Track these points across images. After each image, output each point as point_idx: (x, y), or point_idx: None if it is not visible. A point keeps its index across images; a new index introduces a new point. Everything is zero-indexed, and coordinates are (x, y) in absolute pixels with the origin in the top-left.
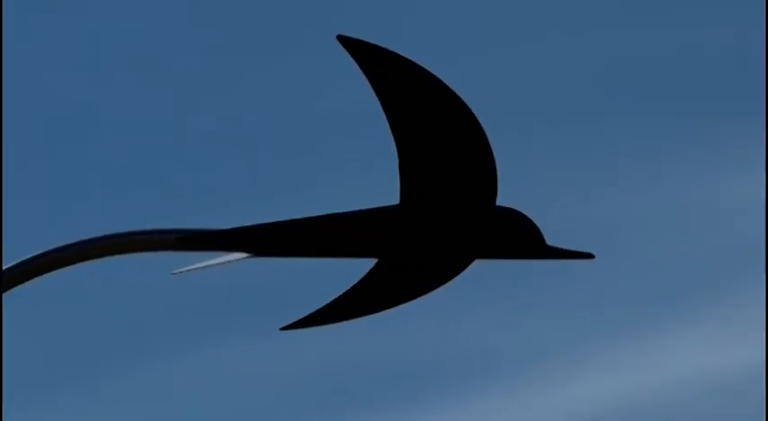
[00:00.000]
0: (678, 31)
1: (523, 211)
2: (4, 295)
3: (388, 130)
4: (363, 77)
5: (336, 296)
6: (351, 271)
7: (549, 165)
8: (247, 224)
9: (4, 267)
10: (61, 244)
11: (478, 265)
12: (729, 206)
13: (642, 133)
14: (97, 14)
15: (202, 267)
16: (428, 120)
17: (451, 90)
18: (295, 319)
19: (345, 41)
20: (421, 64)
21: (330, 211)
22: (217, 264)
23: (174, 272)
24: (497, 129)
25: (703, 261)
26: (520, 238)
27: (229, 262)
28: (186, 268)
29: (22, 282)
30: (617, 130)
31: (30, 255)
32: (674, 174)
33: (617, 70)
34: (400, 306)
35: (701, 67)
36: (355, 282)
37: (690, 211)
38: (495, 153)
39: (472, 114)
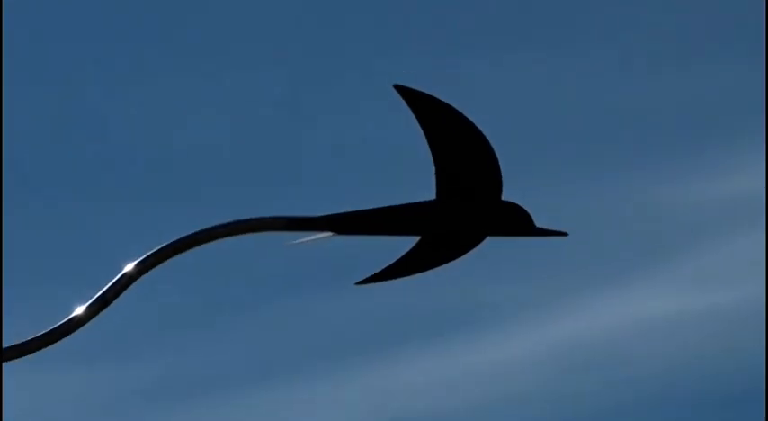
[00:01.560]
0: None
1: (520, 204)
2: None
3: (428, 151)
4: (411, 115)
5: (392, 261)
6: (403, 244)
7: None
8: (332, 213)
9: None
10: (214, 225)
11: (488, 241)
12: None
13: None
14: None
15: (306, 241)
16: (456, 144)
17: (472, 122)
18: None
19: (400, 89)
20: (451, 104)
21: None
22: (314, 240)
23: (287, 244)
24: (510, 148)
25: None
26: (517, 222)
27: (322, 238)
28: (295, 242)
29: (183, 251)
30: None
31: (187, 234)
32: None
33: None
34: (435, 268)
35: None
36: (405, 252)
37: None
38: (502, 164)
39: (486, 140)
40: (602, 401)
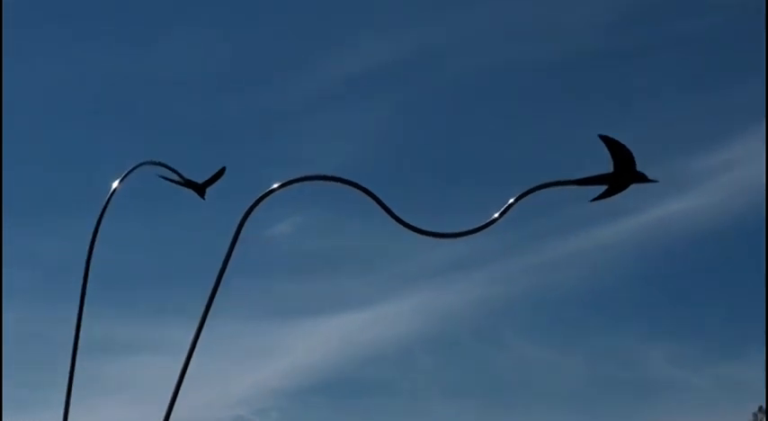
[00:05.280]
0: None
1: (642, 170)
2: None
3: (610, 160)
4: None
5: (599, 194)
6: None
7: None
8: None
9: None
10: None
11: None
12: None
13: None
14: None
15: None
16: (619, 152)
17: (624, 145)
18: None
19: (603, 137)
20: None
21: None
22: (567, 186)
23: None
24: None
25: None
26: (641, 177)
27: (573, 186)
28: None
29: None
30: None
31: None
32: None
33: None
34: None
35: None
36: (601, 192)
37: None
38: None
39: (628, 149)
40: None
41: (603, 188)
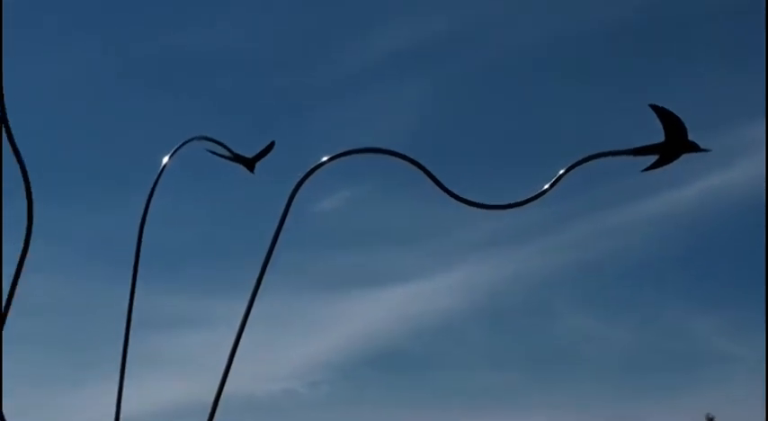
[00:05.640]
0: None
1: (694, 139)
2: None
3: (662, 131)
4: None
5: (651, 164)
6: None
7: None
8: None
9: None
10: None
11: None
12: None
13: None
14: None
15: (611, 156)
16: (670, 121)
17: (675, 114)
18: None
19: (654, 106)
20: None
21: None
22: (615, 156)
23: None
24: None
25: None
26: (693, 147)
27: (618, 155)
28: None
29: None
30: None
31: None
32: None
33: None
34: (663, 167)
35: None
36: (653, 162)
37: None
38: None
39: (679, 118)
40: None
41: (655, 158)
